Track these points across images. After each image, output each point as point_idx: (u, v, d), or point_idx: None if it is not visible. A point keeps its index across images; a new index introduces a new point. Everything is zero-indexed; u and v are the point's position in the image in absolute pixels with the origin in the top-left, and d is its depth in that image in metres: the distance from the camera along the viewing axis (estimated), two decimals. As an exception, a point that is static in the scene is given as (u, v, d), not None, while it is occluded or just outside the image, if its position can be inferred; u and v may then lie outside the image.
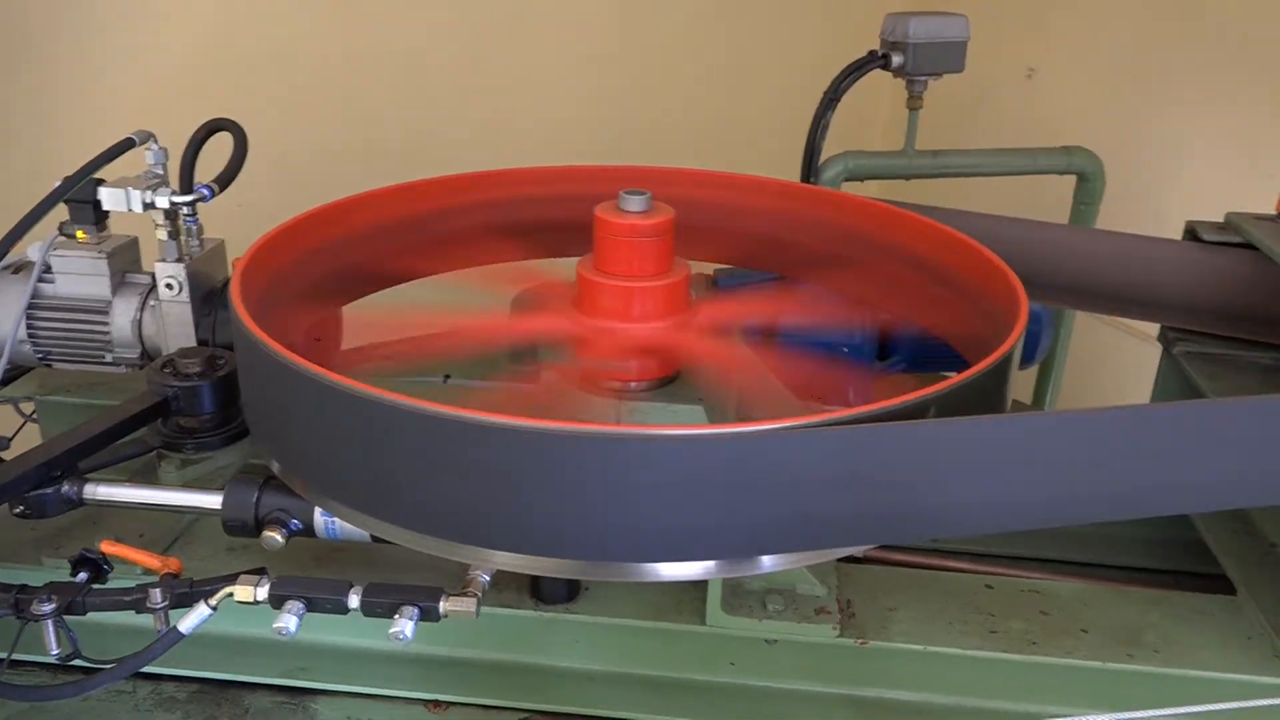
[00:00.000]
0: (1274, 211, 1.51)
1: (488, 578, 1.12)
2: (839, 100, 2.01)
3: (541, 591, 1.24)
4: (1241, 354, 1.53)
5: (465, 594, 1.09)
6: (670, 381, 1.29)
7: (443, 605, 1.07)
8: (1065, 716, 1.09)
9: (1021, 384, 2.54)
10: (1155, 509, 1.05)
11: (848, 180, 2.09)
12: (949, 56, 1.99)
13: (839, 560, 1.34)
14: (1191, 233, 1.56)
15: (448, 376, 1.46)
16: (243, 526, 1.17)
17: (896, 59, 1.99)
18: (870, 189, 2.17)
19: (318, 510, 1.14)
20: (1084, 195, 2.27)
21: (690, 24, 3.18)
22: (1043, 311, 2.09)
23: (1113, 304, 1.62)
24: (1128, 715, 1.01)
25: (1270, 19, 2.39)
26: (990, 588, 1.31)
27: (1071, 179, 2.31)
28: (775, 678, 1.23)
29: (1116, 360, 2.51)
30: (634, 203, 1.25)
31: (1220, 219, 1.58)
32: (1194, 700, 1.10)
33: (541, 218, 1.58)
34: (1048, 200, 2.40)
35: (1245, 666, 1.19)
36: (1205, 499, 1.08)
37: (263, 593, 1.08)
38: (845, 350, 1.68)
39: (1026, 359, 2.11)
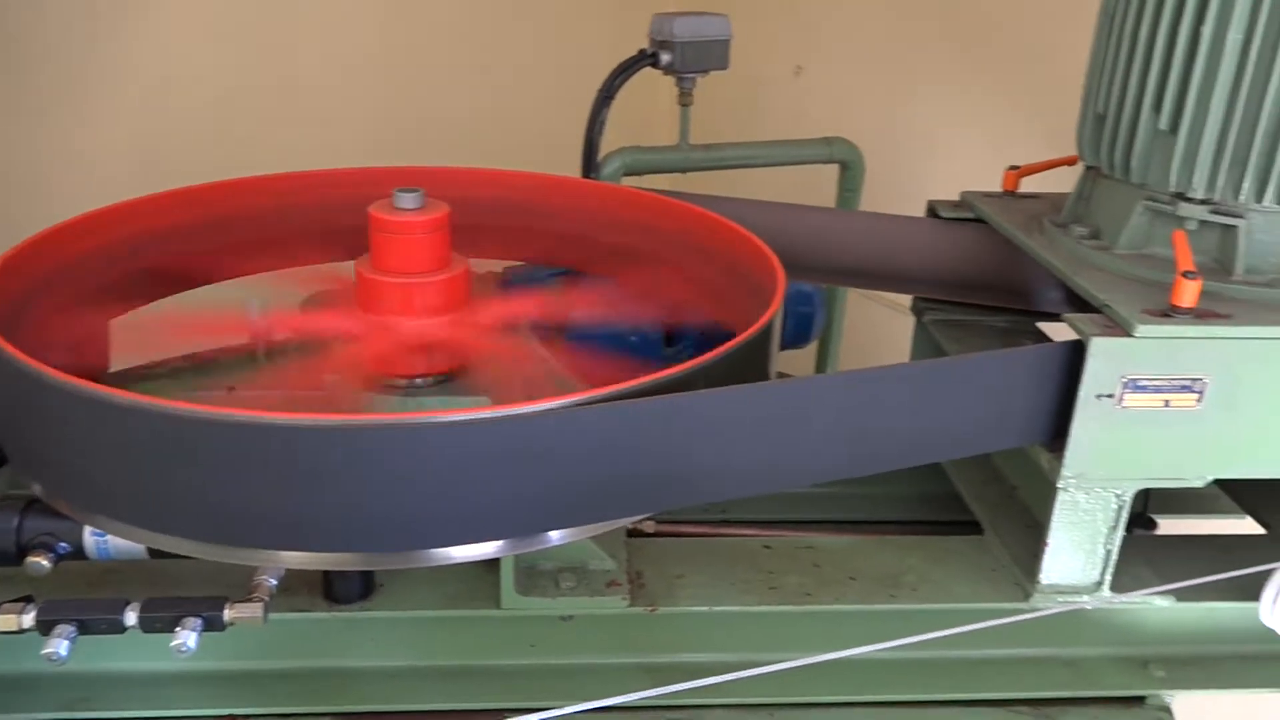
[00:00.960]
0: (1001, 189, 1.67)
1: (274, 582, 1.11)
2: (613, 97, 2.07)
3: (335, 591, 1.23)
4: (982, 319, 1.69)
5: (251, 600, 1.07)
6: (453, 377, 1.31)
7: (227, 613, 1.06)
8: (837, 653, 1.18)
9: (803, 361, 2.69)
10: (894, 461, 1.16)
11: (627, 175, 2.16)
12: (714, 54, 2.09)
13: (629, 535, 1.40)
14: (932, 210, 1.71)
15: (232, 388, 1.43)
16: (3, 556, 1.11)
17: (665, 57, 2.07)
18: (658, 182, 2.25)
19: (87, 529, 1.10)
20: (847, 182, 2.43)
21: (468, 24, 3.18)
22: (815, 292, 2.22)
23: (869, 280, 1.75)
24: (888, 645, 1.10)
25: (1006, 16, 2.64)
26: (769, 548, 1.40)
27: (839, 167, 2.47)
28: (573, 654, 1.28)
29: (884, 332, 2.70)
30: (407, 200, 1.26)
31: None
32: (950, 629, 1.22)
33: (329, 222, 1.57)
34: (821, 188, 2.55)
35: (991, 595, 1.32)
36: (939, 448, 1.20)
37: (28, 619, 1.03)
38: (633, 340, 1.74)
39: (803, 338, 2.24)
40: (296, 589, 1.23)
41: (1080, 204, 1.47)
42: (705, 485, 1.07)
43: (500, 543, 1.03)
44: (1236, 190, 1.26)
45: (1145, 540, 1.53)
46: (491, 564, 1.25)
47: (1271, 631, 1.31)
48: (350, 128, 2.96)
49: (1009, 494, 1.52)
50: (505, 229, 1.66)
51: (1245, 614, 1.33)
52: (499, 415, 0.95)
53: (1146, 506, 1.64)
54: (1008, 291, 1.62)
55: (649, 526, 1.47)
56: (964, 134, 2.83)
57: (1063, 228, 1.44)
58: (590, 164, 2.10)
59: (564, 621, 1.26)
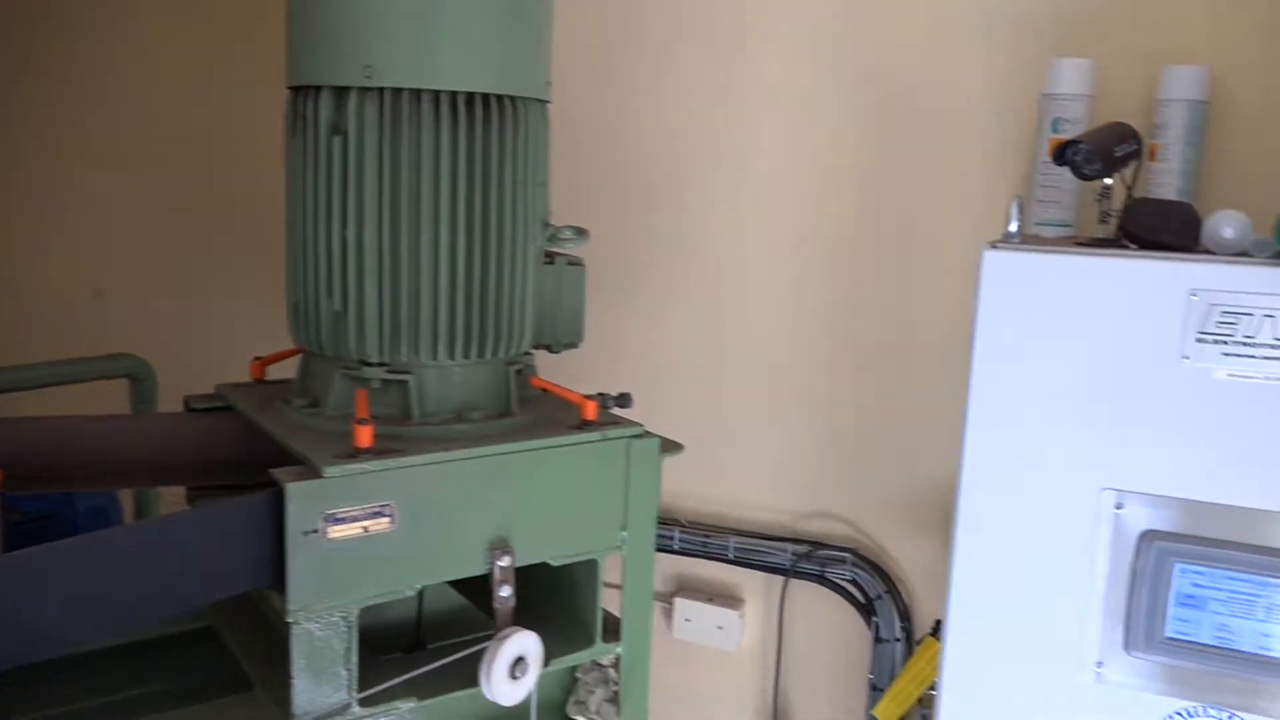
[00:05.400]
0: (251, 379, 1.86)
1: None
2: None
3: None
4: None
5: None
6: None
7: None
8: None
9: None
10: (130, 618, 1.23)
11: None
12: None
13: None
14: (187, 404, 1.83)
15: None
16: None
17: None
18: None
19: None
20: (139, 395, 2.48)
21: None
22: (108, 505, 2.21)
23: (125, 479, 1.80)
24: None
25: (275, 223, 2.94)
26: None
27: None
28: None
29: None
30: None
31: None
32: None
33: None
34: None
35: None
36: (173, 599, 1.30)
37: None
38: None
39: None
40: None
41: (304, 380, 1.71)
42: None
43: None
44: (404, 352, 1.58)
45: (407, 660, 1.75)
46: None
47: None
48: None
49: (282, 645, 1.64)
50: None
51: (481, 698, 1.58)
52: None
53: (419, 633, 1.88)
54: (262, 467, 1.78)
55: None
56: (258, 333, 3.06)
57: (289, 402, 1.66)
58: None
59: None
